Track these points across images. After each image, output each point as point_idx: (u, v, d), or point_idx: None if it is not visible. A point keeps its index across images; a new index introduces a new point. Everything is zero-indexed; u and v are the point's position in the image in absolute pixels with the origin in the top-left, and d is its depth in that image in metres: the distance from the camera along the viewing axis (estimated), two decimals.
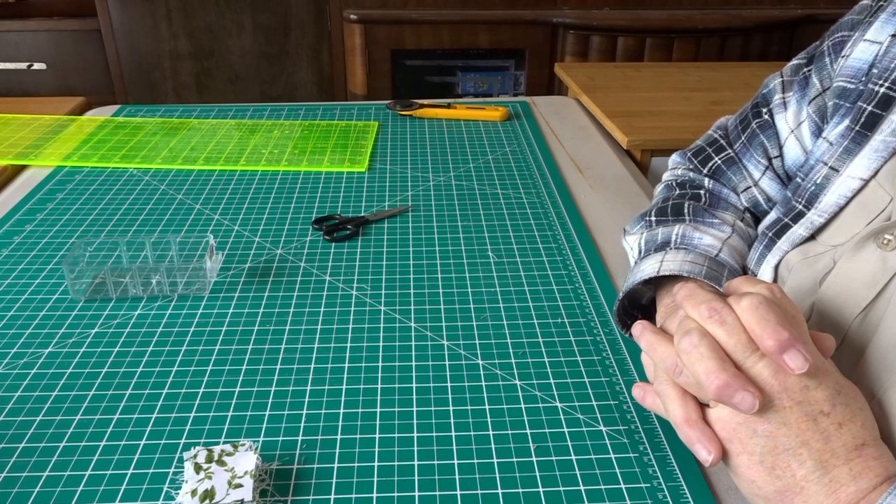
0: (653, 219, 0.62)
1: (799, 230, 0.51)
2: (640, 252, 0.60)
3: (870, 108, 0.49)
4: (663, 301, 0.55)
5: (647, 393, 0.48)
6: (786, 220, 0.53)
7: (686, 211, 0.61)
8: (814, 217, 0.50)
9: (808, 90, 0.59)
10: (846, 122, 0.51)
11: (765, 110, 0.63)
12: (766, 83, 0.65)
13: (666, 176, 0.71)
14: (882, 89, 0.49)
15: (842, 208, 0.49)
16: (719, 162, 0.64)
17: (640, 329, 0.47)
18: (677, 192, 0.65)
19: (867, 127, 0.49)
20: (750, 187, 0.63)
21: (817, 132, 0.57)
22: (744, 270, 0.57)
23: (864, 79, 0.52)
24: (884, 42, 0.50)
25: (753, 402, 0.39)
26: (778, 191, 0.62)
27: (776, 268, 0.53)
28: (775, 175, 0.62)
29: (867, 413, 0.40)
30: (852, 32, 0.54)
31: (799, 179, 0.54)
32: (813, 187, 0.52)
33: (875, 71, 0.50)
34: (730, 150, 0.65)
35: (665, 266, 0.54)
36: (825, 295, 0.47)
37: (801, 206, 0.52)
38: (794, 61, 0.62)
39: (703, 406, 0.43)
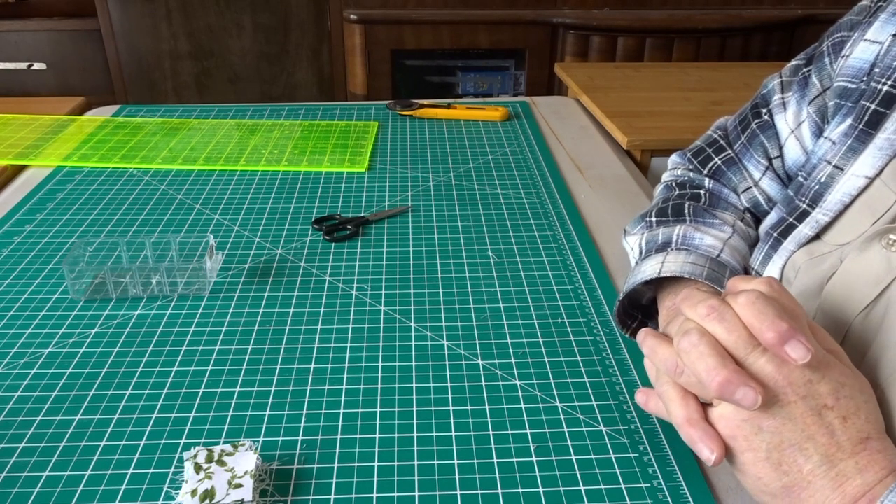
0: (653, 219, 0.62)
1: (805, 229, 0.51)
2: (640, 253, 0.60)
3: (873, 106, 0.49)
4: (665, 304, 0.55)
5: (650, 397, 0.48)
6: (790, 219, 0.53)
7: (686, 211, 0.61)
8: (819, 216, 0.50)
9: (807, 90, 0.59)
10: (848, 120, 0.51)
11: (764, 111, 0.63)
12: (764, 84, 0.65)
13: (665, 176, 0.71)
14: (885, 88, 0.49)
15: (847, 206, 0.49)
16: (719, 162, 0.64)
17: (643, 335, 0.47)
18: (677, 192, 0.65)
19: (871, 125, 0.49)
20: (750, 187, 0.63)
21: (818, 132, 0.58)
22: (745, 271, 0.56)
23: (865, 78, 0.52)
24: (884, 42, 0.51)
25: (756, 397, 0.38)
26: (778, 191, 0.62)
27: (782, 269, 0.53)
28: (775, 175, 0.62)
29: (872, 405, 0.40)
30: (851, 33, 0.54)
31: (801, 178, 0.54)
32: (817, 186, 0.52)
33: (877, 70, 0.50)
34: (730, 151, 0.65)
35: (666, 267, 0.54)
36: (829, 293, 0.47)
37: (805, 205, 0.52)
38: (793, 62, 0.62)
39: (705, 407, 0.43)
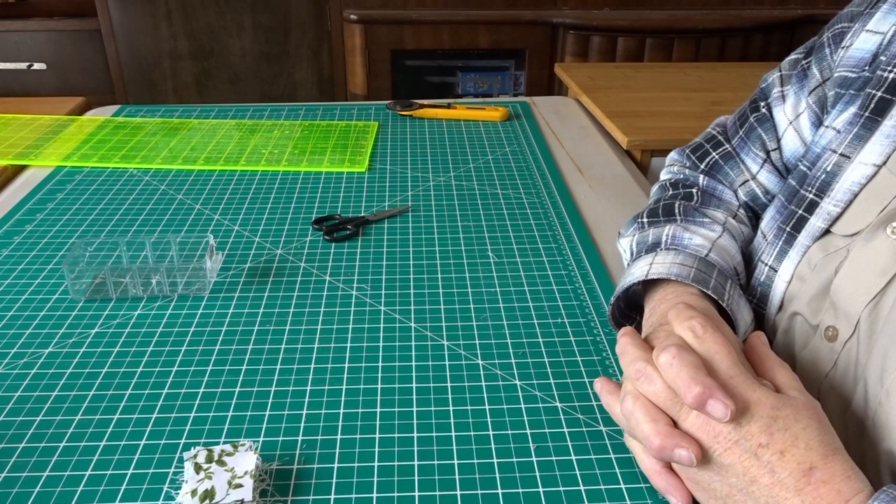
0: (644, 220, 0.62)
1: (817, 222, 0.51)
2: (631, 254, 0.60)
3: (880, 93, 0.49)
4: (648, 305, 0.55)
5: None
6: (800, 211, 0.53)
7: (677, 211, 0.61)
8: (829, 207, 0.50)
9: (807, 81, 0.59)
10: (851, 109, 0.51)
11: (762, 104, 0.63)
12: (764, 78, 0.65)
13: (663, 175, 0.71)
14: (892, 75, 0.49)
15: (855, 195, 0.49)
16: (717, 157, 0.65)
17: (598, 387, 0.49)
18: (670, 192, 0.65)
19: (877, 112, 0.49)
20: (748, 181, 0.63)
21: (817, 123, 0.58)
22: (735, 270, 0.56)
23: (867, 68, 0.52)
24: (888, 32, 0.51)
25: (690, 456, 0.40)
26: (776, 183, 0.62)
27: (797, 265, 0.52)
28: (773, 168, 0.62)
29: (811, 430, 0.39)
30: (852, 24, 0.55)
31: (804, 168, 0.54)
32: (823, 175, 0.52)
33: (883, 59, 0.51)
34: (727, 146, 0.65)
35: (654, 269, 0.54)
36: (838, 285, 0.47)
37: (812, 195, 0.52)
38: (792, 56, 0.63)
39: None
